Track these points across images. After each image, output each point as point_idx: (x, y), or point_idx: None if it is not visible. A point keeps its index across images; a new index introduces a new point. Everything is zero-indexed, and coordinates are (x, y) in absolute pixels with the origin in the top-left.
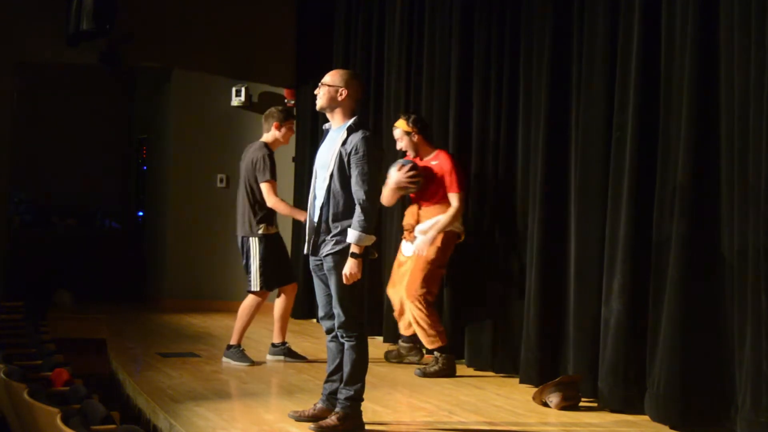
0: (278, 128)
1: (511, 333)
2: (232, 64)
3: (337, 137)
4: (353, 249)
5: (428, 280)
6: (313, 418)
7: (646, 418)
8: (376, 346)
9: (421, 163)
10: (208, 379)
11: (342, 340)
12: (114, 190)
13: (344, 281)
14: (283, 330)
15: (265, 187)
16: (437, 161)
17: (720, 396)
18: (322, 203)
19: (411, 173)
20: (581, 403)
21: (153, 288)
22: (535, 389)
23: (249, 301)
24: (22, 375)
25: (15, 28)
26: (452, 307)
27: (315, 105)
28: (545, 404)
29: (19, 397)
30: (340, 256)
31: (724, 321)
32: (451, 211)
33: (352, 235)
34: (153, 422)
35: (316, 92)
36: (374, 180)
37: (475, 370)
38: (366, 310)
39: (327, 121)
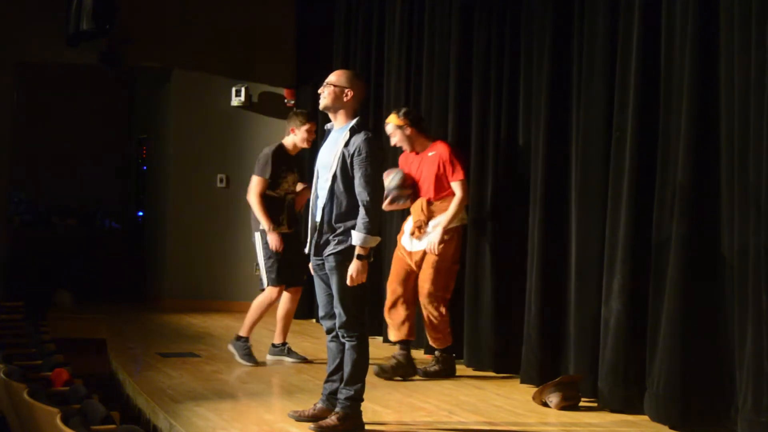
0: (294, 132)
1: (511, 333)
2: (232, 64)
3: (339, 138)
4: (358, 251)
5: (446, 280)
6: (313, 418)
7: (646, 418)
8: (377, 346)
9: (417, 157)
10: (208, 379)
11: (343, 340)
12: (114, 190)
13: (348, 283)
14: (285, 331)
15: (252, 180)
16: (434, 151)
17: (720, 396)
18: (324, 203)
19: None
20: (581, 403)
21: (153, 288)
22: (536, 389)
23: (262, 296)
24: (22, 375)
25: (15, 28)
26: (452, 306)
27: (315, 105)
28: (545, 404)
29: (19, 397)
30: (342, 256)
31: (724, 321)
32: (456, 201)
33: (357, 237)
34: (153, 422)
35: (320, 91)
36: (377, 181)
37: (474, 370)
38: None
39: (327, 121)
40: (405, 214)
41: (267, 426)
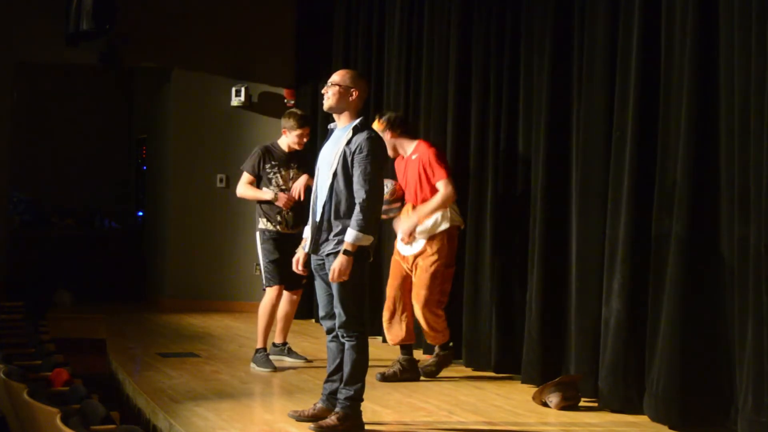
0: (285, 133)
1: (511, 333)
2: (232, 64)
3: (342, 136)
4: (346, 246)
5: (441, 284)
6: (313, 418)
7: (646, 418)
8: (377, 346)
9: (404, 161)
10: (207, 379)
11: (343, 340)
12: (114, 190)
13: (330, 278)
14: (285, 331)
15: (242, 176)
16: (417, 154)
17: (720, 396)
18: (325, 201)
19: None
20: (581, 403)
21: (153, 288)
22: (535, 389)
23: (264, 299)
24: (21, 375)
25: (15, 28)
26: (452, 306)
27: (315, 105)
28: (545, 404)
29: (19, 397)
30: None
31: (724, 321)
32: (439, 196)
33: (350, 234)
34: (153, 422)
35: (323, 92)
36: (376, 180)
37: (474, 370)
38: (366, 310)
39: (329, 120)
40: None
41: (267, 426)
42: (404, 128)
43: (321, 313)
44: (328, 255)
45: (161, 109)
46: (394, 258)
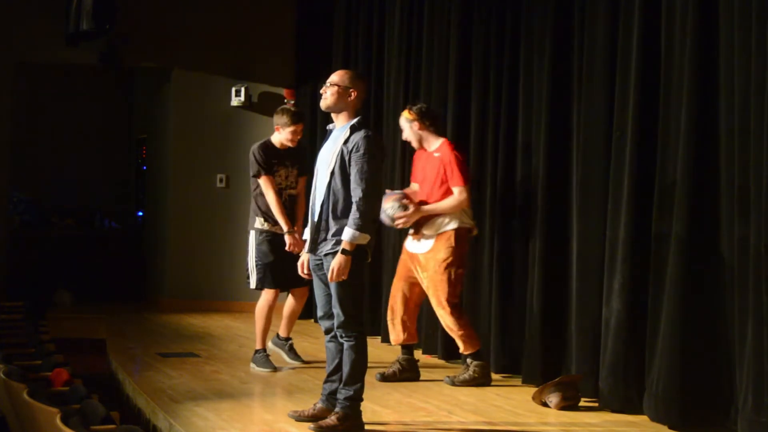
0: (278, 130)
1: (511, 333)
2: (232, 64)
3: (339, 136)
4: (344, 245)
5: (452, 285)
6: (313, 418)
7: (646, 418)
8: (376, 346)
9: (425, 154)
10: (207, 379)
11: (341, 340)
12: (114, 190)
13: (329, 278)
14: (289, 327)
15: (261, 183)
16: (440, 153)
17: (720, 396)
18: (322, 201)
19: (399, 215)
20: (581, 403)
21: (153, 288)
22: (536, 389)
23: (260, 301)
24: (21, 375)
25: (15, 28)
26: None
27: (315, 105)
28: (545, 404)
29: (19, 397)
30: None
31: (724, 321)
32: (452, 200)
33: (347, 232)
34: (153, 422)
35: (322, 92)
36: (373, 179)
37: None
38: (365, 310)
39: (328, 120)
40: None
41: (267, 426)
42: (433, 122)
43: (319, 313)
44: (326, 255)
45: (161, 109)
46: (402, 257)
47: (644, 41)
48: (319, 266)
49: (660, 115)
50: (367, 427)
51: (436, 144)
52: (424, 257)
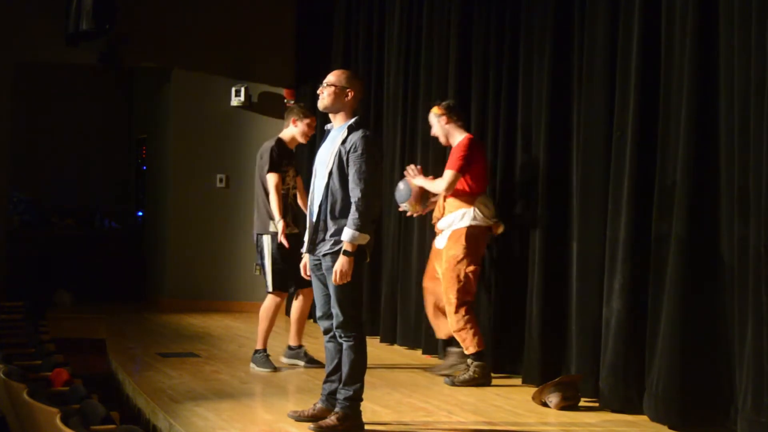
0: (295, 123)
1: (511, 333)
2: (232, 64)
3: (337, 136)
4: (345, 247)
5: (460, 282)
6: (313, 418)
7: (646, 418)
8: (375, 346)
9: (447, 144)
10: (207, 379)
11: (340, 340)
12: (114, 190)
13: (333, 280)
14: (300, 333)
15: (268, 179)
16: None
17: (720, 396)
18: (321, 201)
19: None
20: (581, 403)
21: (153, 288)
22: (535, 389)
23: (267, 302)
24: (21, 375)
25: (15, 28)
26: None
27: (315, 105)
28: (545, 404)
29: (19, 397)
30: (339, 256)
31: (724, 321)
32: (439, 180)
33: (346, 233)
34: (152, 422)
35: (319, 92)
36: (371, 179)
37: None
38: (364, 310)
39: (328, 121)
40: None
41: (267, 426)
42: (459, 117)
43: (318, 313)
44: (324, 255)
45: (161, 109)
46: (431, 254)
47: (644, 41)
48: (318, 266)
49: (660, 115)
50: (367, 427)
51: (458, 139)
52: (442, 253)
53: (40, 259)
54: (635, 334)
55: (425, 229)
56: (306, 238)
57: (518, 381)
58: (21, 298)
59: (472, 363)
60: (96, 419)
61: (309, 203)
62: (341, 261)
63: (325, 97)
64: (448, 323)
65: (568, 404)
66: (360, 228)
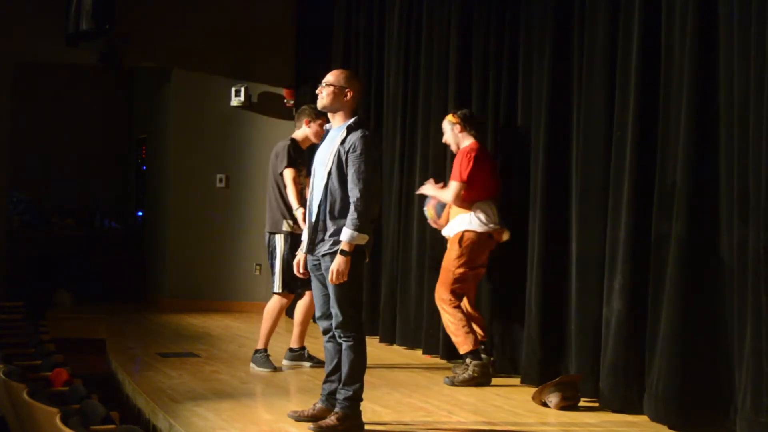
0: (308, 124)
1: (511, 333)
2: (231, 64)
3: (336, 136)
4: (342, 246)
5: (453, 282)
6: (313, 418)
7: (646, 418)
8: (375, 346)
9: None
10: (207, 379)
11: (340, 341)
12: (114, 190)
13: (330, 279)
14: (302, 335)
15: (285, 173)
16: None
17: (720, 396)
18: (320, 201)
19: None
20: (581, 403)
21: (153, 288)
22: (535, 389)
23: (272, 303)
24: (21, 375)
25: (15, 28)
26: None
27: (314, 105)
28: (544, 404)
29: (19, 397)
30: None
31: (723, 321)
32: (446, 191)
33: (345, 233)
34: (152, 422)
35: (318, 92)
36: (370, 179)
37: None
38: (364, 309)
39: (327, 121)
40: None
41: (267, 426)
42: (473, 126)
43: (318, 313)
44: (324, 255)
45: (161, 109)
46: None
47: (644, 41)
48: (317, 266)
49: (660, 115)
50: (367, 427)
51: (466, 143)
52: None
53: (40, 259)
54: (635, 334)
55: (425, 229)
56: (305, 238)
57: (518, 381)
58: (21, 298)
59: (471, 362)
60: (96, 419)
61: (308, 203)
62: (338, 260)
63: (324, 97)
64: (443, 321)
65: (568, 404)
66: (358, 228)
